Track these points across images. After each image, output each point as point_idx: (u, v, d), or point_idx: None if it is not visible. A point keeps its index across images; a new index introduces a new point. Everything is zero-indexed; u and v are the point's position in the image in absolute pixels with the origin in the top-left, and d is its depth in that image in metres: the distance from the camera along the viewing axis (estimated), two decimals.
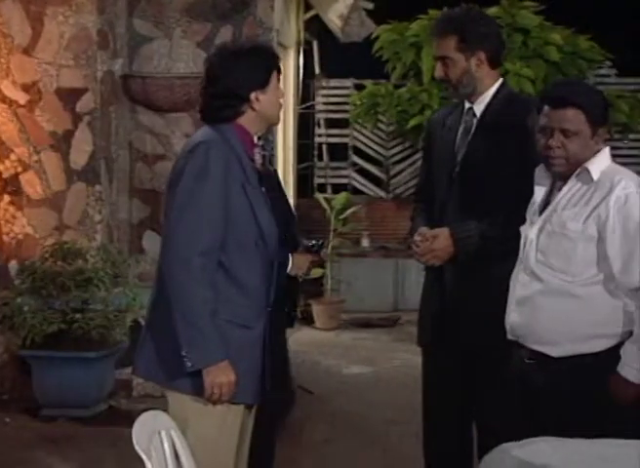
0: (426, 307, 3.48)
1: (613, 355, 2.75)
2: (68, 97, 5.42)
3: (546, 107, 2.83)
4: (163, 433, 2.46)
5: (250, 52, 2.87)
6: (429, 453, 3.46)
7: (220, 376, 2.69)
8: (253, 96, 2.81)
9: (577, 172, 2.83)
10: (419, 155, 9.50)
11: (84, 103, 5.43)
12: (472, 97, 3.33)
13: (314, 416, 3.53)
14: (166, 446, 2.45)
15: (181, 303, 2.68)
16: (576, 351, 2.79)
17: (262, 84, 2.83)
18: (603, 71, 9.21)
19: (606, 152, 2.86)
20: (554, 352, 2.82)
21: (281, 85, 2.92)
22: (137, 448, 2.32)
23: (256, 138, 2.87)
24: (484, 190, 3.27)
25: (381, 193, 9.55)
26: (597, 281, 2.78)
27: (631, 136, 9.14)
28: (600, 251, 2.77)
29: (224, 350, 2.71)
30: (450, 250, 3.23)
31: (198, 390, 2.72)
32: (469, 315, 3.25)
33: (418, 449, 3.46)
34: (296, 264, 2.90)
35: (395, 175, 9.64)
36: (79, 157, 5.45)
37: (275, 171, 3.10)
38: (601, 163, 2.83)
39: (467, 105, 3.36)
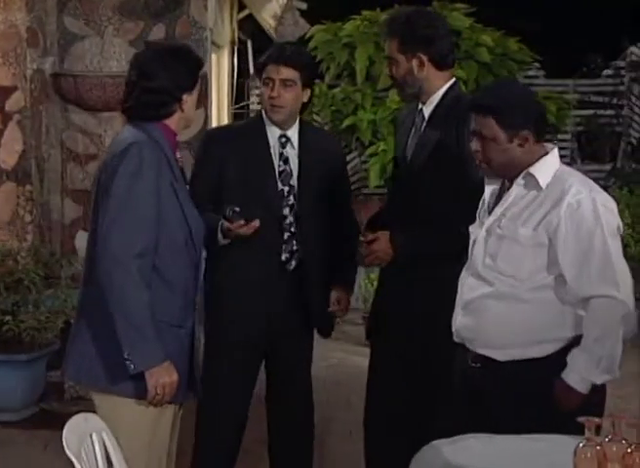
0: (374, 306, 3.57)
1: (558, 360, 2.72)
2: None
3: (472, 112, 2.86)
4: (94, 435, 2.44)
5: (184, 52, 2.88)
6: (370, 453, 3.49)
7: (164, 377, 2.69)
8: (185, 97, 2.82)
9: (521, 175, 2.79)
10: (353, 155, 9.55)
11: (13, 102, 5.34)
12: (422, 97, 3.36)
13: (250, 416, 3.54)
14: (97, 448, 2.43)
15: (122, 306, 2.66)
16: (522, 355, 2.76)
17: (192, 86, 2.84)
18: (532, 73, 9.39)
19: (553, 155, 2.82)
20: (500, 356, 2.79)
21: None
22: (67, 451, 2.30)
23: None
24: (425, 192, 3.30)
25: None
26: (546, 286, 2.75)
27: (559, 136, 9.34)
28: (551, 257, 2.73)
29: (165, 350, 2.70)
30: (389, 252, 3.26)
31: (139, 393, 2.70)
32: (413, 316, 3.27)
33: (354, 447, 3.49)
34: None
35: None
36: (9, 157, 5.36)
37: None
38: (548, 168, 2.78)
39: (419, 106, 3.40)
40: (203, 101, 6.05)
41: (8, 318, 4.87)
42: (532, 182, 2.78)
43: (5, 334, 4.87)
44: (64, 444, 2.32)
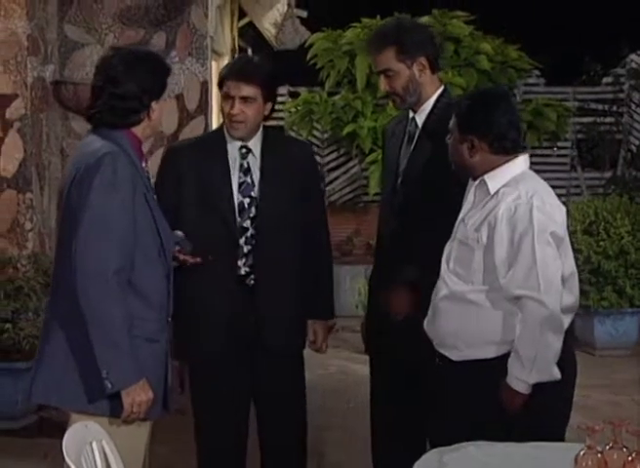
0: (370, 321, 3.52)
1: (504, 362, 2.80)
2: None
3: None
4: (94, 444, 2.43)
5: (151, 58, 2.81)
6: (378, 463, 3.46)
7: (140, 395, 2.64)
8: (153, 104, 2.76)
9: (476, 182, 2.92)
10: (353, 162, 9.56)
11: (14, 110, 5.34)
12: (416, 106, 3.35)
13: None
14: (97, 456, 2.42)
15: (99, 323, 2.59)
16: (472, 356, 2.86)
17: (159, 93, 2.78)
18: (532, 80, 9.39)
19: (515, 163, 2.89)
20: (454, 356, 2.90)
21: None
22: (67, 459, 2.29)
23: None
24: (423, 202, 3.27)
25: None
26: (492, 288, 2.84)
27: (559, 143, 9.34)
28: (488, 259, 2.83)
29: (141, 367, 2.66)
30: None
31: (114, 411, 2.67)
32: (411, 330, 3.21)
33: (351, 455, 3.48)
34: None
35: (330, 183, 9.68)
36: (9, 164, 5.36)
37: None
38: (503, 175, 2.87)
39: (411, 115, 3.38)
40: (203, 109, 6.06)
41: (8, 326, 4.86)
42: (483, 188, 2.90)
43: (5, 342, 4.87)
44: (64, 452, 2.32)
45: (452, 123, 2.93)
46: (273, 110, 3.38)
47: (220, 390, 3.33)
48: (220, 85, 3.33)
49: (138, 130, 2.76)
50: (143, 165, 2.80)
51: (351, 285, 8.39)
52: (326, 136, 9.33)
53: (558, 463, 2.30)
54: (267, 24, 8.17)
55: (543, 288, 2.75)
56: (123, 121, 2.73)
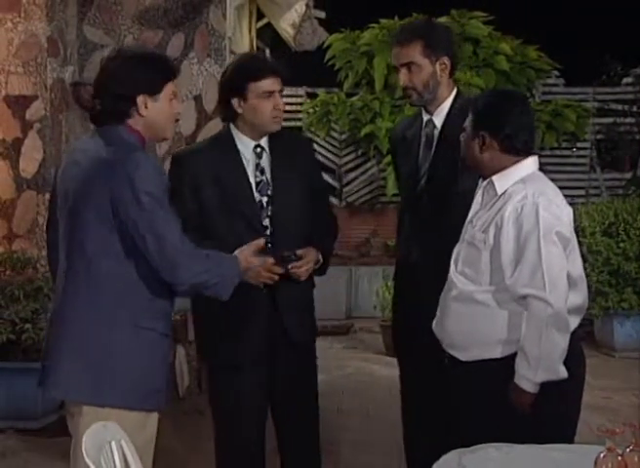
0: (399, 319, 3.51)
1: (512, 362, 2.81)
2: (17, 104, 5.36)
3: None
4: (113, 443, 2.44)
5: (143, 57, 2.82)
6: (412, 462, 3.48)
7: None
8: (140, 99, 2.74)
9: (484, 183, 2.94)
10: (371, 163, 9.56)
11: (34, 111, 5.38)
12: (431, 107, 3.37)
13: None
14: (116, 456, 2.43)
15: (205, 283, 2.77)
16: (480, 356, 2.87)
17: (152, 90, 2.75)
18: (551, 81, 9.36)
19: (523, 165, 2.91)
20: (462, 356, 2.91)
21: (178, 100, 2.83)
22: (86, 459, 2.30)
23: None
24: (450, 204, 3.29)
25: (334, 201, 9.58)
26: (500, 289, 2.85)
27: (579, 144, 9.30)
28: (495, 259, 2.84)
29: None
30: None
31: (128, 403, 2.70)
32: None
33: (370, 457, 3.47)
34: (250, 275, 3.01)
35: (348, 184, 9.68)
36: (29, 165, 5.39)
37: None
38: (510, 177, 2.89)
39: (426, 117, 3.39)
40: None
41: (27, 326, 4.88)
42: (491, 189, 2.92)
43: (24, 342, 4.89)
44: (84, 451, 2.32)
45: (468, 120, 2.96)
46: None
47: (239, 390, 3.34)
48: (244, 87, 3.28)
49: (135, 126, 2.76)
50: None
51: (369, 286, 8.39)
52: (344, 136, 9.33)
53: (578, 465, 2.29)
54: (285, 25, 8.18)
55: (549, 287, 2.76)
56: (108, 116, 2.74)
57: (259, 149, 3.35)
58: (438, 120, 3.36)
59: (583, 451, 2.39)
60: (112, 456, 2.42)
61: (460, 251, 2.95)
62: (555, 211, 2.83)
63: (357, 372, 6.51)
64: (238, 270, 2.86)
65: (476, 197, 2.97)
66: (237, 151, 3.33)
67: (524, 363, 2.77)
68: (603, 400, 5.23)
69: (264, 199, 3.33)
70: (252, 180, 3.32)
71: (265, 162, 3.35)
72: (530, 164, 2.92)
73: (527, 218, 2.80)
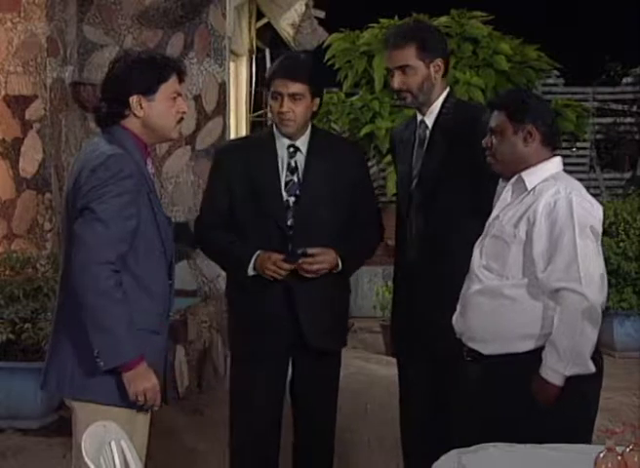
0: (397, 320, 3.53)
1: (537, 356, 2.81)
2: (17, 104, 5.36)
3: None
4: (113, 443, 2.44)
5: (141, 58, 2.82)
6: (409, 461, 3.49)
7: (143, 382, 2.68)
8: (133, 100, 2.75)
9: (513, 179, 2.94)
10: (371, 163, 9.55)
11: (33, 111, 5.38)
12: (424, 108, 3.39)
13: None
14: (116, 456, 2.43)
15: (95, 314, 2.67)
16: (504, 350, 2.87)
17: (146, 90, 2.75)
18: (551, 80, 9.37)
19: (552, 163, 2.94)
20: (485, 350, 2.91)
21: (183, 100, 2.83)
22: (86, 459, 2.30)
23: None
24: (440, 204, 3.31)
25: None
26: (528, 283, 2.86)
27: (578, 144, 9.30)
28: (527, 253, 2.85)
29: (147, 359, 2.70)
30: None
31: (116, 400, 2.71)
32: (439, 328, 3.23)
33: (371, 457, 3.47)
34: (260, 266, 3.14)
35: None
36: (29, 165, 5.39)
37: None
38: (541, 172, 2.91)
39: (419, 118, 3.41)
40: (221, 110, 6.07)
41: (27, 326, 4.88)
42: (520, 184, 2.93)
43: (24, 342, 4.89)
44: (83, 451, 2.32)
45: (493, 119, 2.93)
46: (320, 107, 3.44)
47: (254, 382, 3.40)
48: (268, 84, 3.40)
49: (133, 128, 2.77)
50: (149, 166, 2.84)
51: (369, 286, 8.39)
52: (343, 136, 9.31)
53: (577, 465, 2.29)
54: (285, 25, 8.19)
55: (585, 280, 2.76)
56: (107, 120, 2.76)
57: (292, 149, 3.40)
58: (429, 120, 3.39)
59: (583, 451, 2.39)
60: (112, 456, 2.42)
61: (483, 246, 2.95)
62: (587, 206, 2.87)
63: (357, 372, 6.50)
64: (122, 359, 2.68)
65: (502, 194, 2.97)
66: (274, 149, 3.40)
67: (554, 355, 2.76)
68: (603, 400, 5.22)
69: (292, 199, 3.37)
70: (282, 179, 3.38)
71: (300, 162, 3.40)
72: (557, 162, 2.96)
73: (561, 213, 2.81)
